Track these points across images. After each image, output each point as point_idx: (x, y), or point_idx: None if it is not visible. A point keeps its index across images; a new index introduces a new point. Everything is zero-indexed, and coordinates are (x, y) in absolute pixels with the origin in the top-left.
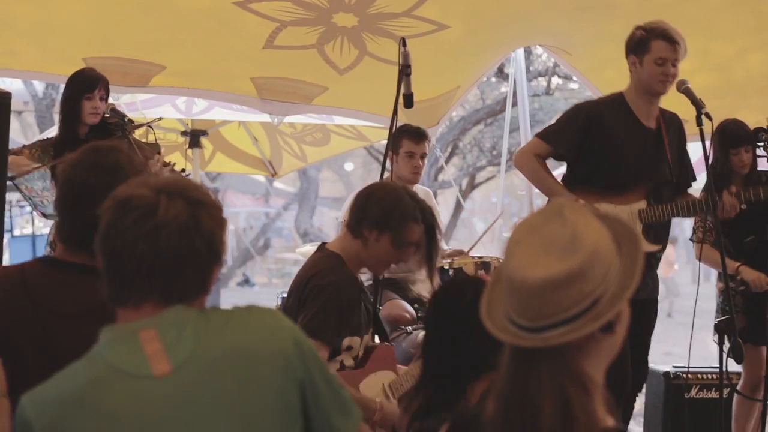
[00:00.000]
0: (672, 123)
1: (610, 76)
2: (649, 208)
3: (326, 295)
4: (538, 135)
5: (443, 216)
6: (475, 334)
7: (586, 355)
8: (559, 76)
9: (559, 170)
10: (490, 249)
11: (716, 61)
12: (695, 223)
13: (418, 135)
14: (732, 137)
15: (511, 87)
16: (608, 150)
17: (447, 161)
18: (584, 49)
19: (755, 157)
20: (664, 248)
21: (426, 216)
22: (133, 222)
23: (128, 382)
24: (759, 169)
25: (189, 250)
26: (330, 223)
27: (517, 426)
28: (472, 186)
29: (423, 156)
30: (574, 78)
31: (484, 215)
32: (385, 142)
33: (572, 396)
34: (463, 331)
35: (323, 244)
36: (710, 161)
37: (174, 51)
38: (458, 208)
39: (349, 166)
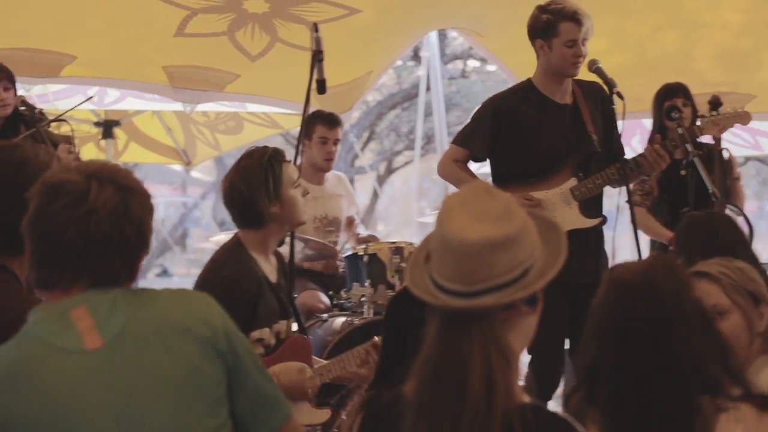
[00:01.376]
0: (591, 91)
1: (524, 58)
2: (580, 183)
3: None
4: (453, 141)
5: (361, 201)
6: None
7: (510, 328)
8: (475, 59)
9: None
10: (405, 234)
11: (630, 40)
12: (633, 186)
13: (331, 121)
14: (666, 90)
15: (425, 70)
16: (524, 139)
17: (364, 146)
18: (496, 31)
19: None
20: (603, 221)
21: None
22: (63, 207)
23: (62, 357)
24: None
25: (119, 236)
26: None
27: (446, 388)
28: (390, 170)
29: (336, 142)
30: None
31: (403, 199)
32: (299, 128)
33: (495, 365)
34: None
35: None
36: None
37: (84, 41)
38: (376, 193)
39: None
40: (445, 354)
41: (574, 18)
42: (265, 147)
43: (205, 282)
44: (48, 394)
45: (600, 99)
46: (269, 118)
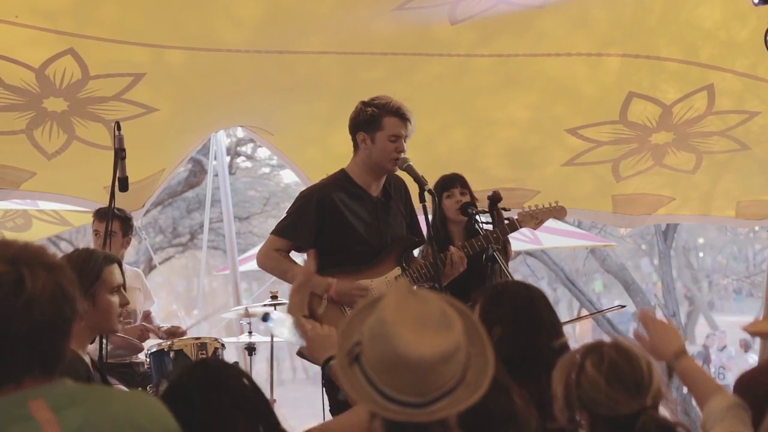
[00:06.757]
0: (396, 184)
1: (312, 155)
2: (404, 272)
3: None
4: (274, 232)
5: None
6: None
7: None
8: (243, 156)
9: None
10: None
11: (420, 137)
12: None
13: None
14: (442, 181)
15: (211, 166)
16: (346, 229)
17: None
18: (287, 129)
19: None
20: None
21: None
22: (2, 299)
23: None
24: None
25: (61, 319)
26: None
27: None
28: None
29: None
30: (256, 157)
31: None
32: (87, 225)
33: None
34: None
35: None
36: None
37: None
38: None
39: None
40: None
41: (399, 113)
42: (93, 249)
43: None
44: None
45: (402, 191)
46: (59, 216)
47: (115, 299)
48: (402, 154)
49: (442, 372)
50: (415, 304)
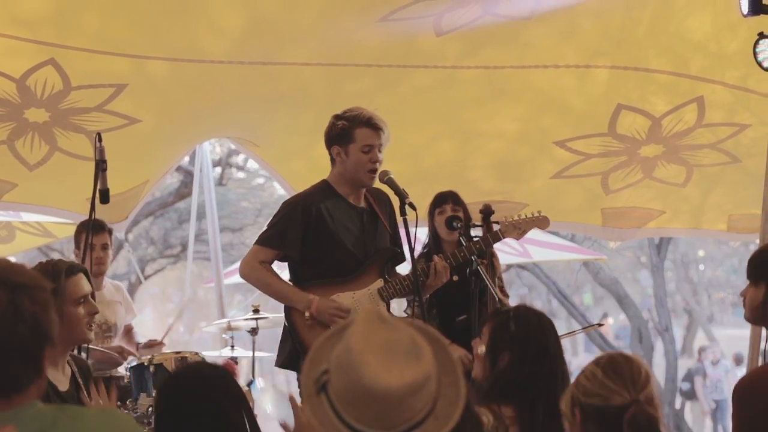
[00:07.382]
0: (380, 197)
1: (298, 167)
2: (387, 285)
3: None
4: (258, 242)
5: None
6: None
7: None
8: (233, 167)
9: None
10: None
11: (406, 149)
12: (408, 299)
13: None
14: (436, 198)
15: (197, 178)
16: (330, 238)
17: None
18: (272, 141)
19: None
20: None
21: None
22: None
23: None
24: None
25: (12, 339)
26: None
27: None
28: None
29: (104, 247)
30: (249, 168)
31: (159, 306)
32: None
33: None
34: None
35: None
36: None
37: None
38: None
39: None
40: None
41: (370, 124)
42: (58, 260)
43: None
44: None
45: (386, 204)
46: (42, 227)
47: (81, 310)
48: (377, 164)
49: (409, 404)
50: (384, 331)
